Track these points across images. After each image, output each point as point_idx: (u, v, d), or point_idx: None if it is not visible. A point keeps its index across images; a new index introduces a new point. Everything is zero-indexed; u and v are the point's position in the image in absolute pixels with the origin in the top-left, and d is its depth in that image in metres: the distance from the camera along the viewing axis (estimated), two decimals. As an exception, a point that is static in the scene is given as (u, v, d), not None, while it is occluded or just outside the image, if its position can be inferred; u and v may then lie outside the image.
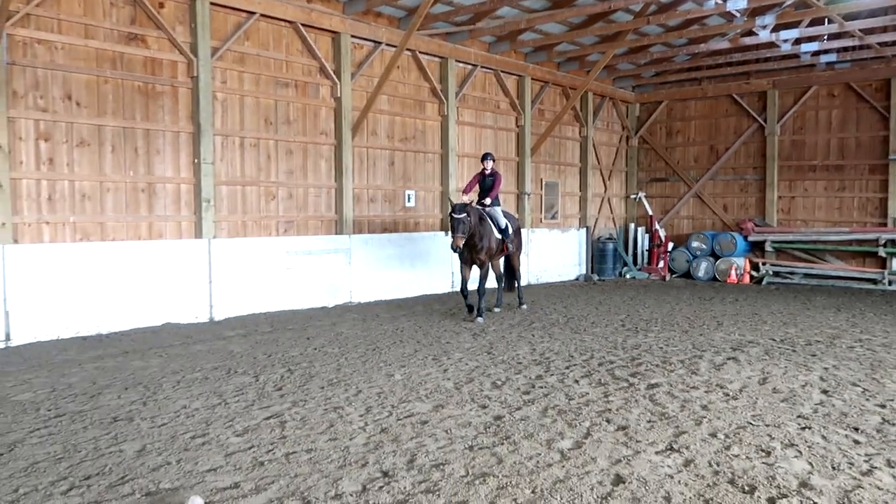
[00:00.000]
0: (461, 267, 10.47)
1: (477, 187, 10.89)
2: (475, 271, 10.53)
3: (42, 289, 8.41)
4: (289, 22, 11.13)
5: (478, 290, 10.20)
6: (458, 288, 13.08)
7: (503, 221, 10.55)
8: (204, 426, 5.15)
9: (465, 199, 10.55)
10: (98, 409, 5.55)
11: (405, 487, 4.04)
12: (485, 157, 10.70)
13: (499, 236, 10.41)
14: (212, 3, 10.07)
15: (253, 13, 10.58)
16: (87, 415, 5.42)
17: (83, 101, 9.09)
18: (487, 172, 10.67)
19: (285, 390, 6.19)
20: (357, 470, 4.31)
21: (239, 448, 4.69)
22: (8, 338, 8.12)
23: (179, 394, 6.05)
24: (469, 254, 10.17)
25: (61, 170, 8.93)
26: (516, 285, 11.45)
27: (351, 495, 3.93)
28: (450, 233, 9.91)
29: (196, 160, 10.07)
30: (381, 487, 4.03)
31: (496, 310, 10.89)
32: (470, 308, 10.31)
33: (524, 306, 11.34)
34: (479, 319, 9.90)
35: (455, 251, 9.83)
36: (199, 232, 10.08)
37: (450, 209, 9.95)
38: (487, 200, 10.49)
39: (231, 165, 10.62)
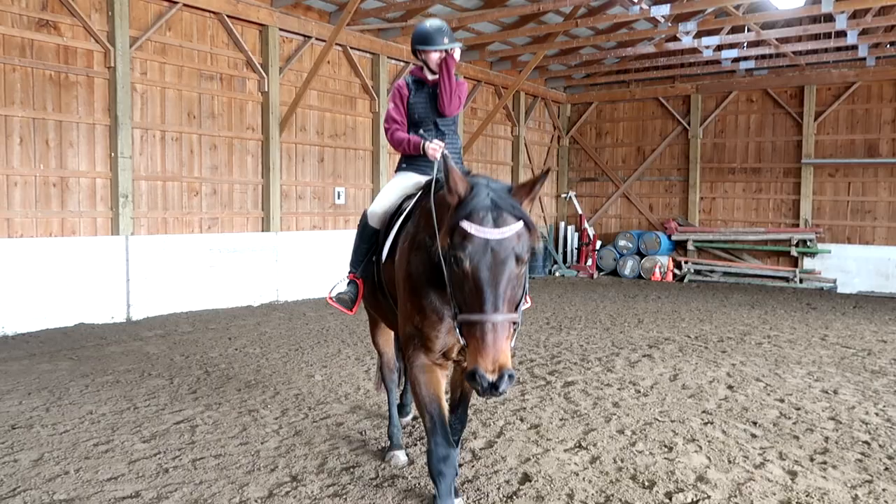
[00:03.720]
0: (416, 357, 3.69)
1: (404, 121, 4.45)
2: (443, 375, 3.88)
3: (-59, 288, 7.96)
4: (213, 13, 10.83)
5: (460, 421, 4.10)
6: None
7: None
8: (109, 432, 4.98)
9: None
10: (-5, 417, 5.29)
11: (313, 492, 4.01)
12: (430, 38, 4.27)
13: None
14: (130, -9, 9.72)
15: (175, 2, 10.24)
16: (-18, 423, 5.16)
17: (-12, 90, 8.62)
18: (431, 78, 4.40)
19: (200, 393, 6.04)
20: (265, 475, 4.25)
21: (144, 455, 4.55)
22: None
23: (87, 398, 5.83)
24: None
25: (-37, 162, 8.46)
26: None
27: (256, 501, 3.88)
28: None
29: (113, 154, 9.69)
30: (287, 493, 3.99)
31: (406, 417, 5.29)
32: (441, 470, 3.57)
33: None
34: None
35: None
36: (116, 228, 9.71)
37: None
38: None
39: (151, 160, 10.26)
